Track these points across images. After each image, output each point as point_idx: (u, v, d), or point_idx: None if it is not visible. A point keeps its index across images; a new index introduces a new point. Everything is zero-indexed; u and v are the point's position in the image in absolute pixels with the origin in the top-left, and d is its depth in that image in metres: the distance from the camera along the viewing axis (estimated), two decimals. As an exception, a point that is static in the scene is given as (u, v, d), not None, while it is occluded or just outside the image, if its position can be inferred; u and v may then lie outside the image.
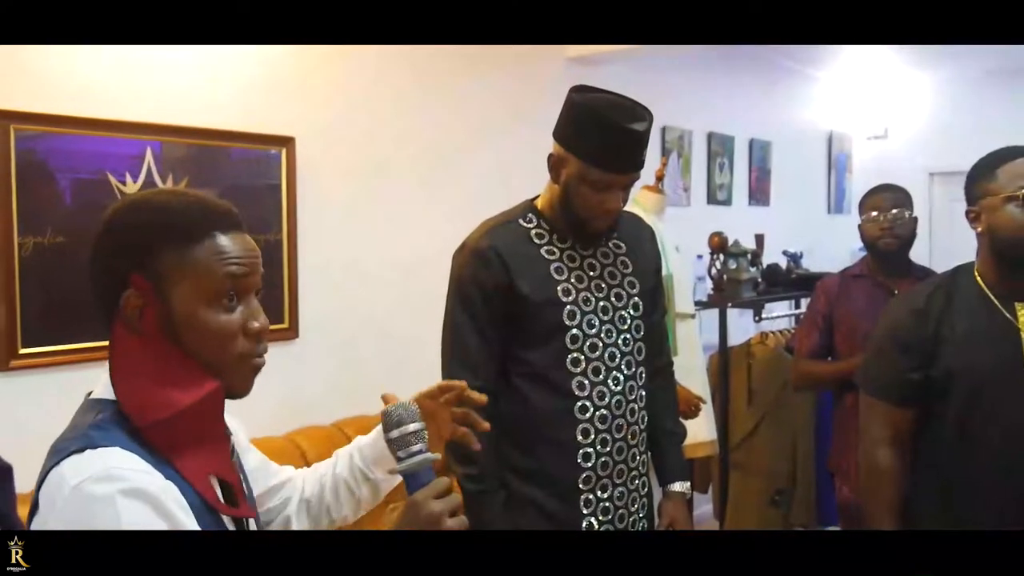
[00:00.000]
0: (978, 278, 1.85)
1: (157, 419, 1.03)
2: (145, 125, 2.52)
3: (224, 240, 1.09)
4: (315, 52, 2.93)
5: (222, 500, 1.08)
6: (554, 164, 1.86)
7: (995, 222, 1.78)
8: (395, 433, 1.17)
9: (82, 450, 0.99)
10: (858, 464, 1.97)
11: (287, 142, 2.85)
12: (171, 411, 1.03)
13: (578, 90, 1.85)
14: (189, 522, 0.99)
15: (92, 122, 2.41)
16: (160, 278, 1.06)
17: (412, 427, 1.17)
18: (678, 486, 2.05)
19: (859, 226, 2.86)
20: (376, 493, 1.38)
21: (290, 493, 1.36)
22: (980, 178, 1.83)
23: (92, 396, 1.09)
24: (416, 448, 1.16)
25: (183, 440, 1.04)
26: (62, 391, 2.42)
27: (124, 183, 2.49)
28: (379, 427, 1.33)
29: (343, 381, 3.06)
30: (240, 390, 1.12)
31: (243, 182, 2.76)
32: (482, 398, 1.39)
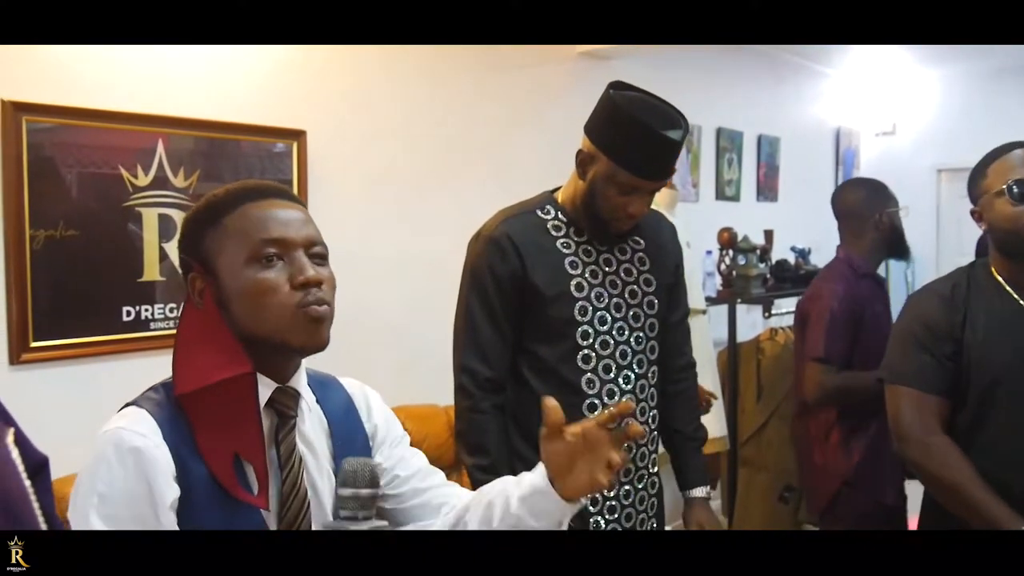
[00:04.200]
0: (994, 271, 1.88)
1: (187, 390, 1.10)
2: (157, 118, 2.51)
3: (252, 208, 1.17)
4: (327, 47, 2.92)
5: (240, 483, 1.10)
6: (583, 160, 1.82)
7: (990, 218, 1.84)
8: (347, 492, 1.17)
9: (127, 405, 1.12)
10: (917, 467, 1.87)
11: (298, 135, 2.84)
12: (200, 384, 1.10)
13: (616, 87, 1.79)
14: (169, 491, 1.06)
15: (104, 114, 2.41)
16: (208, 256, 1.16)
17: (364, 492, 1.17)
18: (699, 491, 2.01)
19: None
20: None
21: (445, 500, 1.31)
22: (976, 177, 1.89)
23: None
24: (362, 516, 1.16)
25: (210, 415, 1.10)
26: (73, 384, 2.43)
27: (136, 177, 2.48)
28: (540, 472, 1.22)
29: (351, 375, 3.04)
30: (304, 343, 1.16)
31: (254, 176, 2.75)
32: (640, 430, 1.20)
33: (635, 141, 1.72)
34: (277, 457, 1.17)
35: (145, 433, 1.07)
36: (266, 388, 1.16)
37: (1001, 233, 1.83)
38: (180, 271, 1.23)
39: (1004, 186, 1.79)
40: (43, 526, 0.49)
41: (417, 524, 1.28)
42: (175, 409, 1.10)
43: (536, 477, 1.22)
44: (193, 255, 1.17)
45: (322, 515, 1.20)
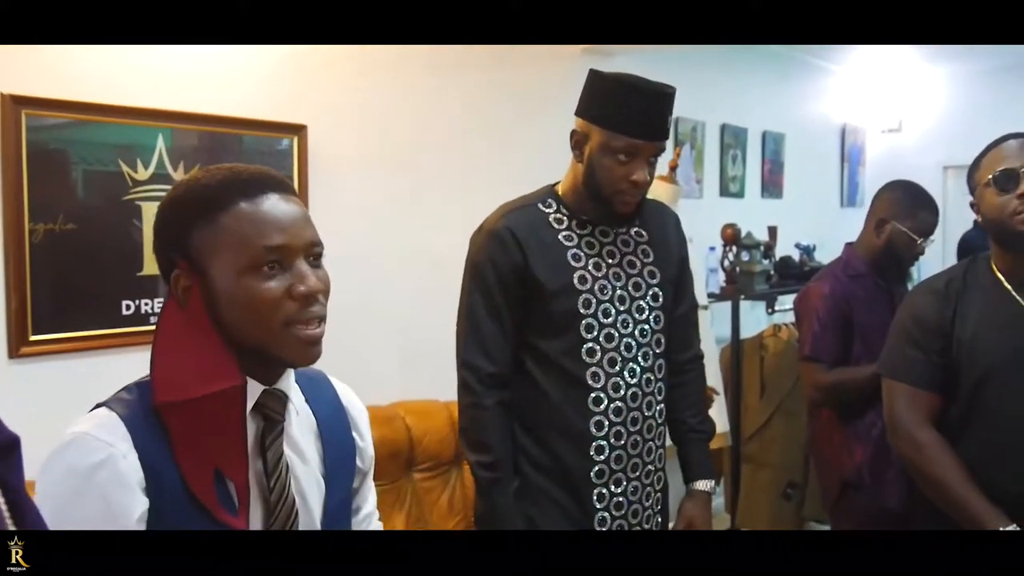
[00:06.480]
0: (993, 266, 1.89)
1: (168, 400, 1.02)
2: (157, 112, 2.50)
3: (250, 205, 1.06)
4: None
5: (220, 499, 1.04)
6: (577, 141, 1.83)
7: (982, 208, 1.85)
8: None
9: (99, 406, 1.05)
10: (905, 460, 1.89)
11: (299, 130, 2.83)
12: (183, 396, 1.02)
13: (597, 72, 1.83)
14: (134, 505, 0.99)
15: (103, 108, 2.39)
16: (197, 254, 1.05)
17: None
18: (700, 485, 2.00)
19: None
20: None
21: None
22: (972, 170, 1.91)
23: None
24: None
25: (192, 427, 1.03)
26: (71, 378, 2.42)
27: (136, 171, 2.47)
28: None
29: (354, 373, 3.03)
30: (295, 359, 1.09)
31: (254, 170, 2.74)
32: None
33: (626, 101, 1.73)
34: (264, 466, 1.10)
35: (112, 442, 0.99)
36: (253, 391, 1.09)
37: (990, 223, 1.84)
38: (158, 264, 1.12)
39: (991, 176, 1.81)
40: (2, 506, 0.48)
41: None
42: (149, 411, 1.03)
43: None
44: (178, 251, 1.06)
45: (311, 525, 1.15)
